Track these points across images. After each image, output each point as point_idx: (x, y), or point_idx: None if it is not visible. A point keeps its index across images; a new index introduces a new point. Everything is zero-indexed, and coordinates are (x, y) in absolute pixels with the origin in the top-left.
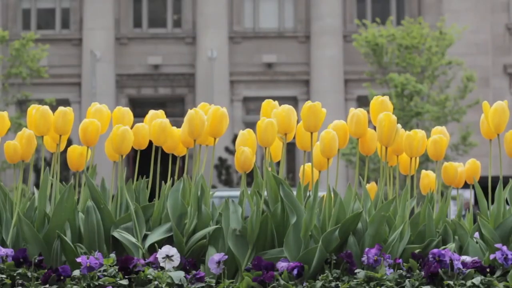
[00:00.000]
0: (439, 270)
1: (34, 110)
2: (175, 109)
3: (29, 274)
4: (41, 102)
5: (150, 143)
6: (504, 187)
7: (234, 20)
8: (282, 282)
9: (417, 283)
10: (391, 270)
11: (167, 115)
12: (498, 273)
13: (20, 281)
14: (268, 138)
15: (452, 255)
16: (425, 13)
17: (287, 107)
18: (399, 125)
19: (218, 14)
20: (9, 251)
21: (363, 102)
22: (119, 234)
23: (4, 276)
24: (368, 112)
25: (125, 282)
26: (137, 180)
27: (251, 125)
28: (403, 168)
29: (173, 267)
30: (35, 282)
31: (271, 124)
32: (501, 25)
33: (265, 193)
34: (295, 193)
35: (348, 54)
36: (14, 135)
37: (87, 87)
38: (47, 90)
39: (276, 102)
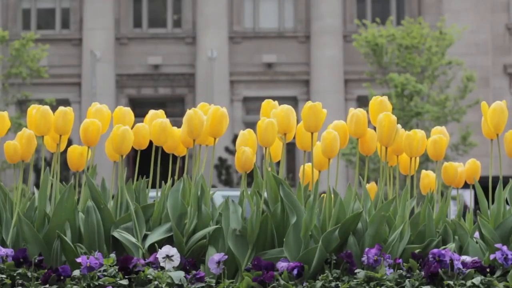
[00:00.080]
0: (439, 270)
1: (34, 110)
2: (175, 109)
3: (29, 274)
4: (41, 102)
5: (150, 143)
6: (504, 187)
7: (234, 20)
8: (282, 282)
9: (417, 283)
10: (391, 270)
11: (167, 115)
12: (498, 273)
13: (20, 281)
14: (268, 138)
15: (452, 255)
16: (425, 13)
17: (286, 107)
18: (399, 125)
19: (218, 14)
20: (9, 251)
21: (363, 102)
22: (119, 234)
23: (4, 276)
24: (367, 112)
25: (125, 282)
26: (137, 180)
27: (251, 125)
28: (403, 168)
29: (173, 267)
30: (35, 282)
31: (271, 124)
32: (501, 25)
33: (265, 193)
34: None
35: (348, 54)
36: (14, 135)
37: (87, 87)
38: (47, 90)
39: (276, 102)
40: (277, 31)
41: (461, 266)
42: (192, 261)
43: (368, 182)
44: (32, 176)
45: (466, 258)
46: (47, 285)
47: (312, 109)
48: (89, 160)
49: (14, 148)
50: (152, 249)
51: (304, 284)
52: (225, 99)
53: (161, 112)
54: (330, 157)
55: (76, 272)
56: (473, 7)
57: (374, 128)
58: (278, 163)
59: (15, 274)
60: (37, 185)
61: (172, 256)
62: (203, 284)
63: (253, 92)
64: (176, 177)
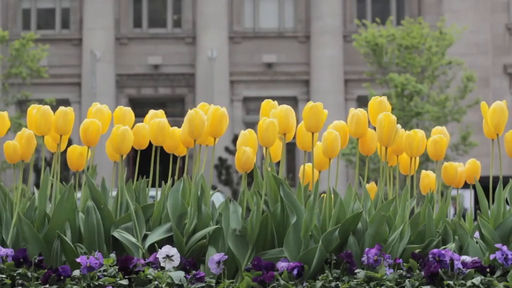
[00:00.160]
0: (439, 270)
1: (34, 110)
2: (175, 109)
3: (29, 274)
4: (41, 102)
5: (151, 143)
6: (504, 187)
7: (234, 20)
8: (282, 282)
9: (417, 283)
10: (391, 270)
11: (167, 115)
12: (498, 273)
13: (20, 281)
14: (269, 138)
15: (452, 255)
16: (425, 13)
17: (286, 107)
18: (399, 125)
19: (218, 14)
20: (9, 251)
21: (363, 102)
22: (119, 234)
23: (4, 276)
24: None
25: (125, 282)
26: (137, 180)
27: (251, 125)
28: (403, 168)
29: (173, 267)
30: (35, 282)
31: (272, 124)
32: (501, 25)
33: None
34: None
35: (348, 54)
36: (14, 135)
37: (87, 87)
38: (47, 90)
39: (276, 102)
40: (277, 31)
41: (461, 266)
42: (192, 261)
43: (368, 182)
44: (32, 176)
45: (466, 258)
46: (47, 285)
47: (313, 109)
48: (89, 160)
49: (13, 148)
50: (152, 249)
51: (304, 284)
52: (225, 99)
53: (161, 112)
54: (331, 157)
55: (76, 272)
56: (473, 7)
57: (374, 128)
58: (278, 163)
59: (15, 274)
60: (37, 185)
61: (172, 256)
62: (203, 284)
63: (253, 92)
64: (176, 177)
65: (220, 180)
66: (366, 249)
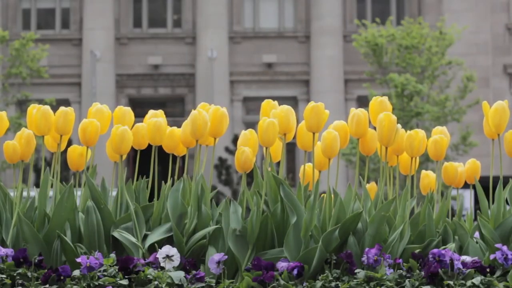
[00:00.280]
0: (439, 270)
1: (34, 110)
2: (175, 109)
3: (29, 274)
4: (41, 102)
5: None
6: (504, 187)
7: (234, 20)
8: (282, 282)
9: (417, 283)
10: (391, 270)
11: (167, 115)
12: (498, 273)
13: (20, 281)
14: (269, 138)
15: (452, 255)
16: (425, 13)
17: (286, 107)
18: (399, 125)
19: (218, 14)
20: (9, 251)
21: (363, 102)
22: (119, 234)
23: (4, 276)
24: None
25: (125, 282)
26: (137, 180)
27: (251, 125)
28: (403, 168)
29: (173, 267)
30: (35, 282)
31: (272, 124)
32: (501, 25)
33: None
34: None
35: (348, 54)
36: (14, 135)
37: (87, 87)
38: (47, 90)
39: (276, 102)
40: (277, 31)
41: (461, 266)
42: (192, 261)
43: (368, 182)
44: (32, 176)
45: (466, 258)
46: (47, 285)
47: (314, 109)
48: (89, 160)
49: (13, 148)
50: (152, 249)
51: (304, 284)
52: (225, 99)
53: (160, 112)
54: (330, 157)
55: (76, 272)
56: (473, 7)
57: (374, 128)
58: (278, 163)
59: (15, 274)
60: (37, 185)
61: (172, 256)
62: (203, 284)
63: (253, 92)
64: (176, 177)
65: (220, 180)
66: (366, 249)
